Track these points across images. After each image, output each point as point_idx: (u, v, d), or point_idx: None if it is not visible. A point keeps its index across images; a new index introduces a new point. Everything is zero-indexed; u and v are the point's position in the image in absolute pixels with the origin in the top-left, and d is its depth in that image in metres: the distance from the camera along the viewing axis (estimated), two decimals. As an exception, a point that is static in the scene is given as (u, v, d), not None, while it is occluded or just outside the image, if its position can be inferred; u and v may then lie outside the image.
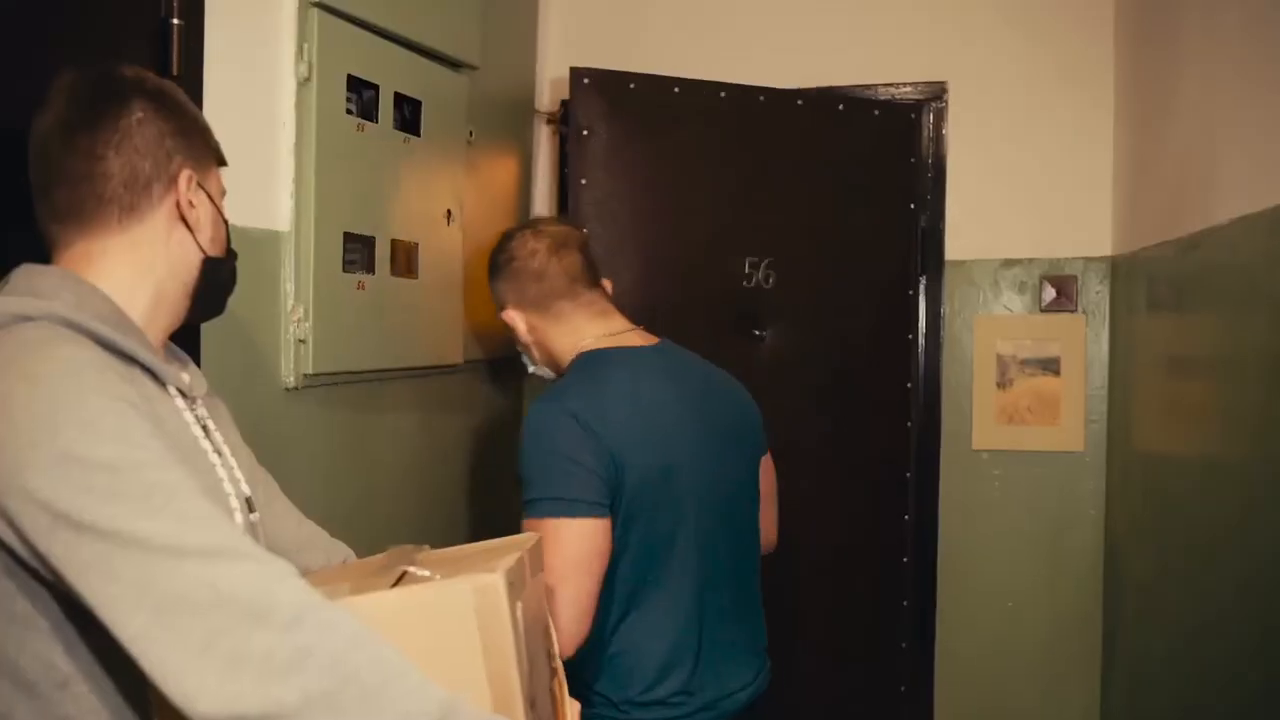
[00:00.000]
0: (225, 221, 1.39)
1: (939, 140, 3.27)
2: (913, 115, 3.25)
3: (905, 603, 3.27)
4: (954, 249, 3.27)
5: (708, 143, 3.03)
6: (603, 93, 2.93)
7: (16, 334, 1.12)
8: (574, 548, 1.75)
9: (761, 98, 3.06)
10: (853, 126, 3.16)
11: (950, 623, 3.29)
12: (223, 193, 1.40)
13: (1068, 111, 3.20)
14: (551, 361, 2.08)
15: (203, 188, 1.33)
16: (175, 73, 1.82)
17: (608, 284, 2.11)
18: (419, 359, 2.62)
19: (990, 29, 3.25)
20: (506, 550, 1.37)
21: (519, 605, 1.23)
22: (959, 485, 3.27)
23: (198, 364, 1.89)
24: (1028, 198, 3.23)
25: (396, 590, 1.20)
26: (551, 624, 1.50)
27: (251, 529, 1.35)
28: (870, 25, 3.32)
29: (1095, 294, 3.18)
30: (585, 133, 2.93)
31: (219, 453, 1.33)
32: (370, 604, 1.17)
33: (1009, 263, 3.25)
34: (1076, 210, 3.20)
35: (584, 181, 2.93)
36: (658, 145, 3.00)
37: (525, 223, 2.08)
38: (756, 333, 3.04)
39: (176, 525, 1.01)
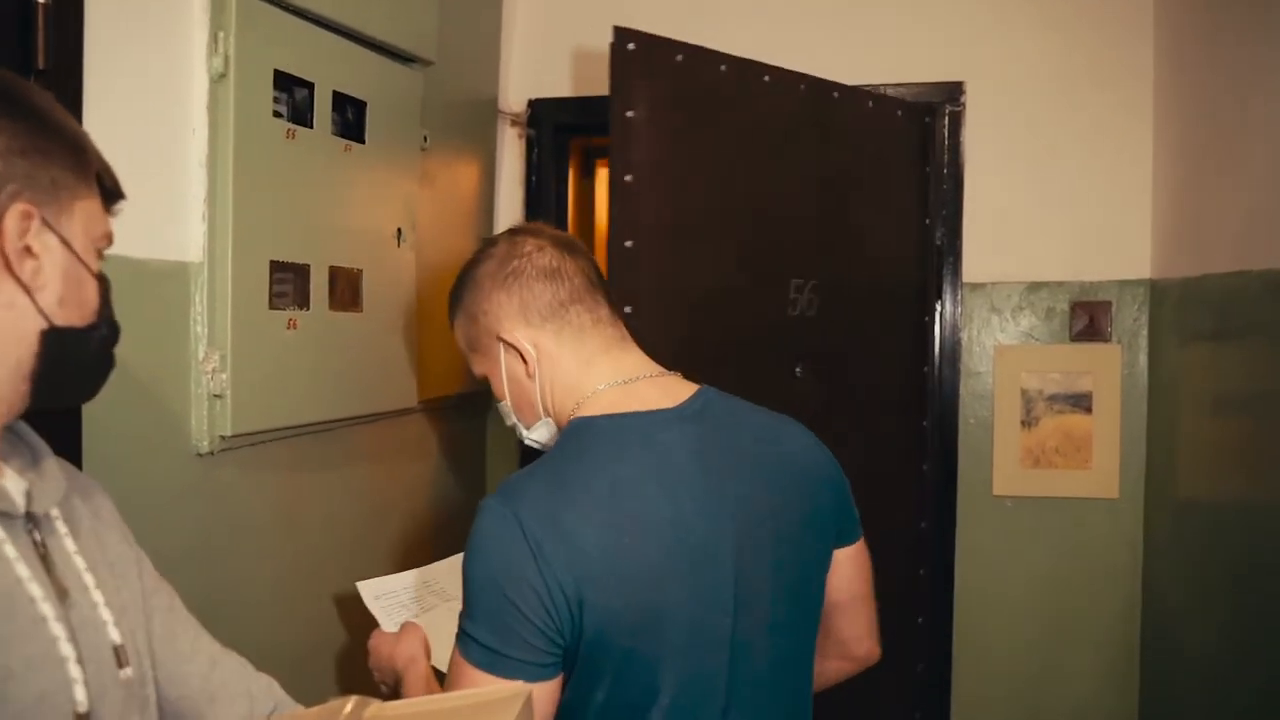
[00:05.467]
0: (98, 277, 1.03)
1: (955, 147, 2.92)
2: (926, 119, 2.89)
3: (919, 666, 2.93)
4: (973, 270, 2.96)
5: (752, 136, 2.50)
6: (648, 65, 2.30)
7: None
8: None
9: (802, 86, 2.61)
10: (876, 127, 2.79)
11: (968, 689, 2.99)
12: (104, 237, 1.04)
13: (1101, 115, 2.90)
14: (548, 413, 1.54)
15: (51, 228, 0.97)
16: (41, 66, 1.44)
17: None
18: (367, 405, 2.25)
19: (1013, 22, 2.94)
20: (486, 714, 1.05)
21: None
22: (978, 536, 2.97)
23: (76, 431, 1.52)
24: (1056, 213, 2.93)
25: None
26: None
27: (125, 687, 1.02)
28: (876, 17, 2.98)
29: (1132, 322, 2.86)
30: (630, 114, 2.28)
31: (65, 592, 0.99)
32: None
33: (1035, 286, 2.94)
34: (1111, 227, 2.90)
35: (629, 179, 2.27)
36: (704, 134, 2.42)
37: (511, 229, 1.60)
38: (797, 372, 2.60)
39: None
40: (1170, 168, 2.75)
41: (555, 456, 1.42)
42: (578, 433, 1.44)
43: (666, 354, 2.31)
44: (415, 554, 2.54)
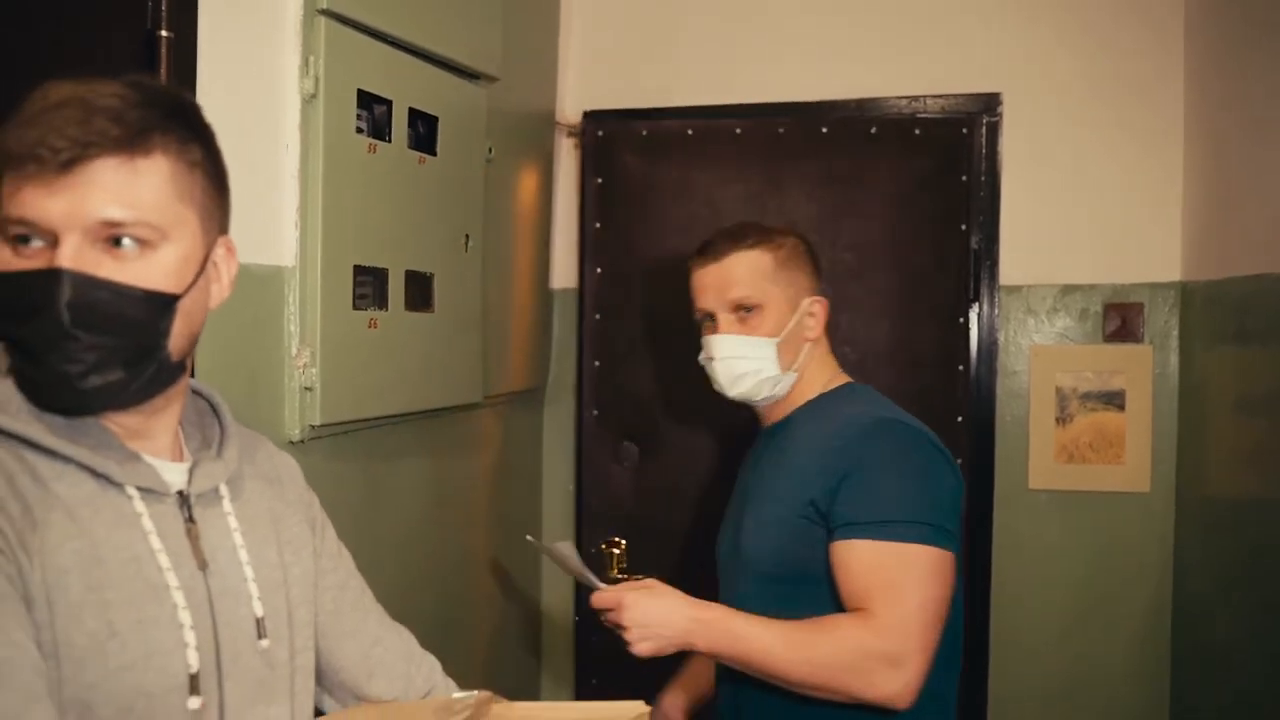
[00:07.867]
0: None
1: (992, 156, 3.03)
2: (963, 129, 3.02)
3: (955, 653, 3.03)
4: (1009, 273, 3.04)
5: (727, 178, 3.00)
6: (616, 137, 2.92)
7: None
8: (947, 585, 1.65)
9: (781, 130, 3.01)
10: (891, 146, 2.99)
11: (1003, 678, 3.06)
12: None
13: (1134, 123, 2.97)
14: (797, 370, 1.83)
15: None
16: (164, 92, 1.60)
17: None
18: (437, 400, 2.40)
19: (1048, 35, 3.02)
20: None
21: None
22: (1013, 528, 3.04)
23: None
24: (1089, 218, 3.01)
25: None
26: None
27: (261, 656, 1.10)
28: (917, 31, 3.09)
29: (1164, 323, 2.95)
30: (599, 180, 2.96)
31: (205, 564, 1.06)
32: None
33: (1069, 288, 3.02)
34: (1143, 232, 2.97)
35: (598, 225, 2.99)
36: (674, 187, 2.98)
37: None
38: None
39: None
40: (1200, 173, 2.82)
41: (877, 398, 1.82)
42: (867, 390, 1.84)
43: (630, 354, 2.81)
44: (482, 538, 2.70)
